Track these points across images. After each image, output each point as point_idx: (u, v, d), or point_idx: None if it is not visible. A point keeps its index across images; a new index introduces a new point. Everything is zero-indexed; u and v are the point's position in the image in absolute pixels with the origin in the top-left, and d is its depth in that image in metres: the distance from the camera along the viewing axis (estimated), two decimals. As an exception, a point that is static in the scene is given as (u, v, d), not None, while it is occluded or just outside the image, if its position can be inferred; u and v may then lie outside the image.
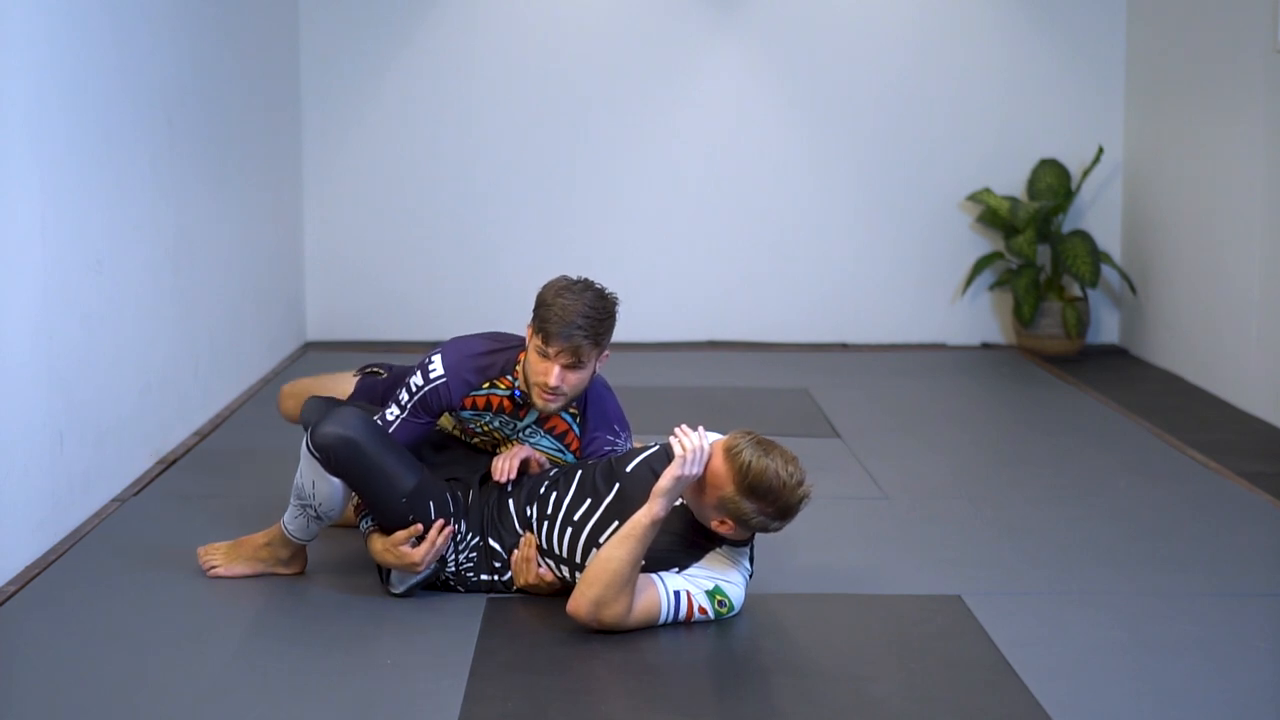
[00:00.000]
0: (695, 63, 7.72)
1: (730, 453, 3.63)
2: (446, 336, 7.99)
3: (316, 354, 7.49)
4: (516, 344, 4.06)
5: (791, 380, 6.95)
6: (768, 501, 3.62)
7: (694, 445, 3.62)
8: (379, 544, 3.89)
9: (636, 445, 4.18)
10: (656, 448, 3.90)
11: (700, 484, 3.67)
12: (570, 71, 7.72)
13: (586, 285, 3.92)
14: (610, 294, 3.95)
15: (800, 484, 3.64)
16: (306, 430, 3.88)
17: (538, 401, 3.92)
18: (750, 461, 3.60)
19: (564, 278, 3.97)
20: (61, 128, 4.49)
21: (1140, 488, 5.13)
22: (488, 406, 4.01)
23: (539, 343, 3.87)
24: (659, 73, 7.72)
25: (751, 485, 3.60)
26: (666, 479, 3.61)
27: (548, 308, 3.87)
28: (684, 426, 3.69)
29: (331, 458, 3.80)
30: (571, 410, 4.06)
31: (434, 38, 7.68)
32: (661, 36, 7.71)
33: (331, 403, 4.12)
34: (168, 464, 5.31)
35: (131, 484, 5.03)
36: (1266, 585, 4.18)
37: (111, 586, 4.07)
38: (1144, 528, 4.67)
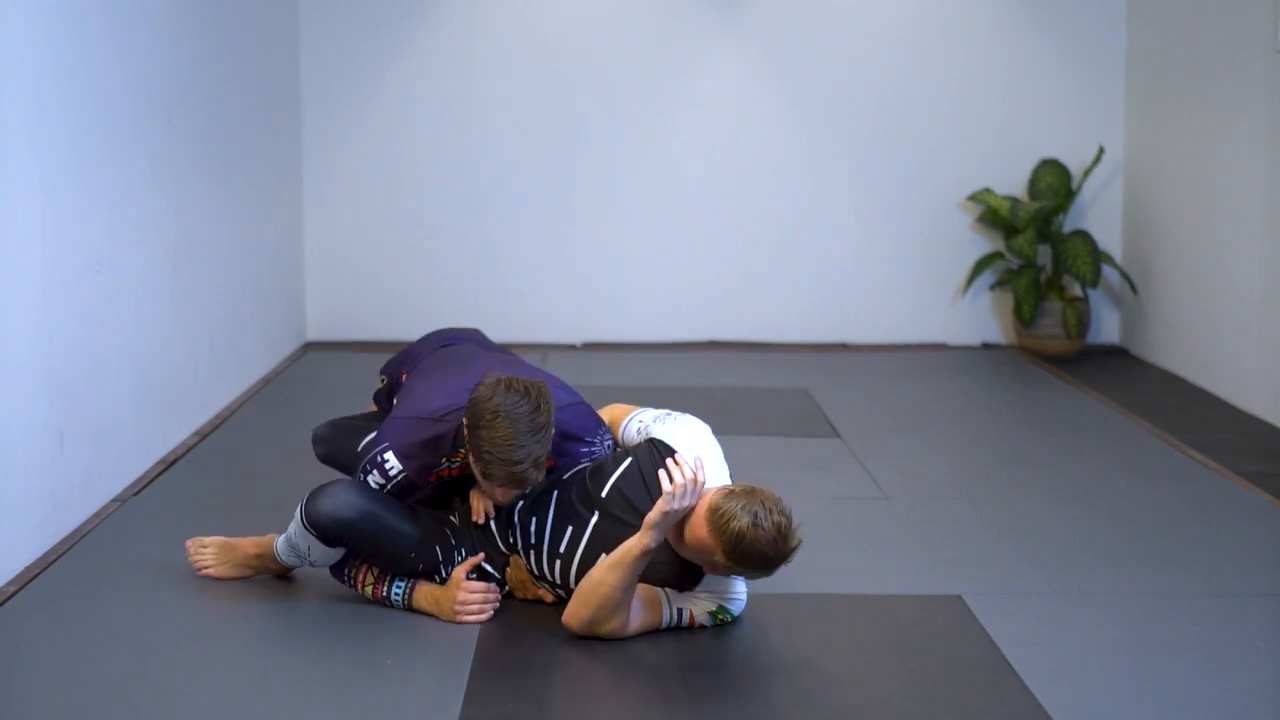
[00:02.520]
0: (695, 63, 7.72)
1: (718, 524, 3.49)
2: (446, 336, 7.95)
3: (316, 354, 7.49)
4: (456, 416, 3.80)
5: (791, 380, 6.95)
6: (759, 566, 3.55)
7: (684, 480, 3.53)
8: (443, 598, 3.81)
9: (616, 434, 4.07)
10: (628, 463, 3.82)
11: (683, 538, 3.59)
12: (570, 71, 7.72)
13: (519, 396, 3.60)
14: (543, 390, 3.65)
15: (789, 536, 3.53)
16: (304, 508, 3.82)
17: (495, 500, 3.80)
18: (741, 532, 3.47)
19: (493, 387, 3.63)
20: (61, 128, 4.49)
21: (1140, 488, 5.13)
22: (450, 477, 3.91)
23: (480, 473, 3.67)
24: (659, 73, 7.73)
25: (743, 554, 3.51)
26: (656, 513, 3.54)
27: (480, 440, 3.59)
28: (678, 457, 3.61)
29: (329, 536, 3.78)
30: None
31: (434, 38, 7.69)
32: (661, 36, 7.71)
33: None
34: (168, 464, 5.31)
35: (131, 484, 5.03)
36: (1266, 585, 4.18)
37: (111, 586, 4.07)
38: (1144, 528, 4.67)
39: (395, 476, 3.80)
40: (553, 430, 3.67)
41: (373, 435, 3.92)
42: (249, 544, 4.10)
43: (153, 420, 5.29)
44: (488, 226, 7.80)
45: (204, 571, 4.10)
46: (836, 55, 7.72)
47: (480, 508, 3.87)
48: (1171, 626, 3.84)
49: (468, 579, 3.82)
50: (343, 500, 3.74)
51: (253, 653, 3.67)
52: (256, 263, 6.81)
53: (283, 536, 3.94)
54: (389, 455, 3.80)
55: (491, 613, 3.81)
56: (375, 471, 3.81)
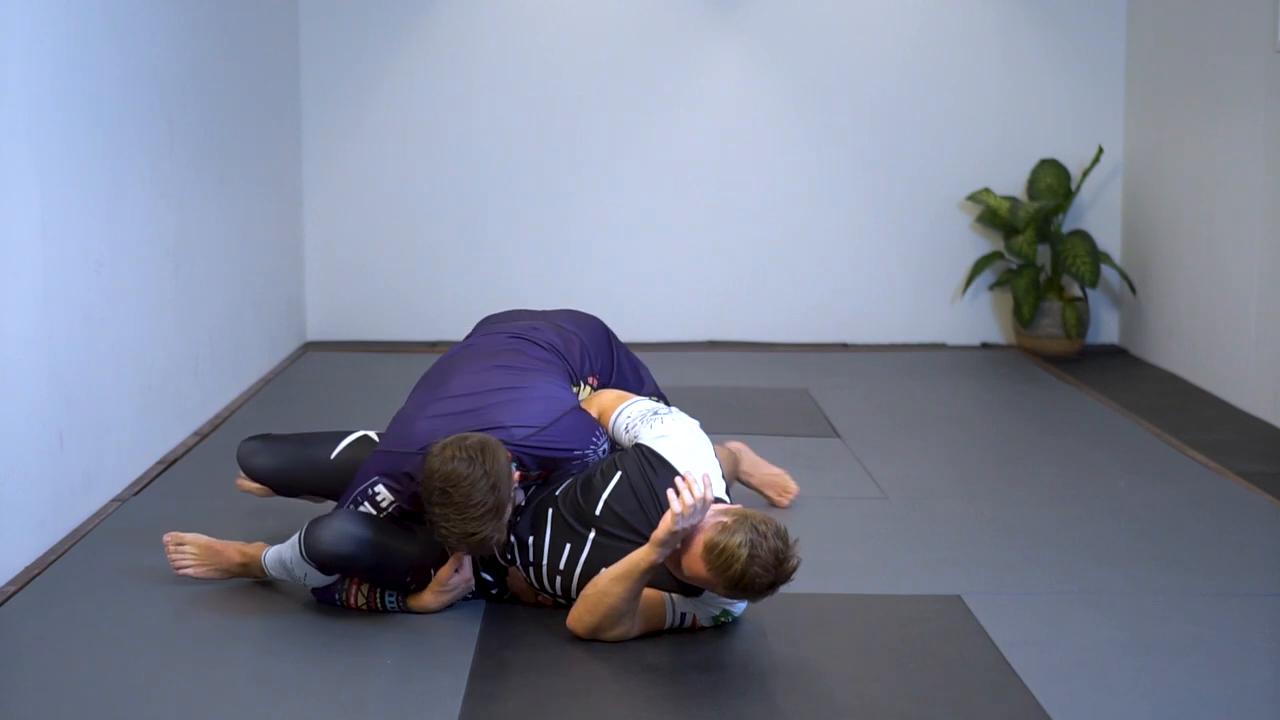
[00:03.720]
0: (696, 62, 7.72)
1: (716, 563, 3.47)
2: (446, 337, 8.02)
3: (316, 354, 7.49)
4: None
5: (791, 380, 6.95)
6: (760, 592, 3.53)
7: (692, 500, 3.50)
8: (427, 596, 3.84)
9: (606, 425, 4.04)
10: (619, 478, 3.78)
11: (680, 564, 3.58)
12: (571, 70, 7.72)
13: (466, 463, 3.58)
14: (486, 449, 3.61)
15: (787, 560, 3.50)
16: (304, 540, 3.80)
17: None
18: (741, 571, 3.45)
19: (440, 456, 3.61)
20: (61, 128, 4.49)
21: (1140, 488, 5.13)
22: None
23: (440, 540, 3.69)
24: (659, 72, 7.73)
25: (745, 587, 3.50)
26: (663, 532, 3.52)
27: (434, 516, 3.61)
28: (687, 476, 3.56)
29: (332, 568, 3.78)
30: (534, 476, 3.91)
31: (434, 37, 7.68)
32: (662, 36, 7.71)
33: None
34: (168, 464, 5.31)
35: (131, 484, 5.03)
36: (1266, 585, 4.18)
37: (112, 587, 4.07)
38: (1144, 528, 4.67)
39: (387, 508, 3.81)
40: (509, 486, 3.63)
41: (365, 462, 3.89)
42: (234, 551, 4.05)
43: (153, 420, 5.29)
44: (488, 226, 7.80)
45: (182, 571, 4.04)
46: (836, 56, 7.72)
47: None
48: (1171, 626, 3.83)
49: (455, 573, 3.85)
50: (342, 533, 3.73)
51: (253, 653, 3.67)
52: (256, 263, 6.81)
53: (273, 551, 3.91)
54: (379, 488, 3.80)
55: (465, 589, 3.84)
56: (367, 504, 3.81)
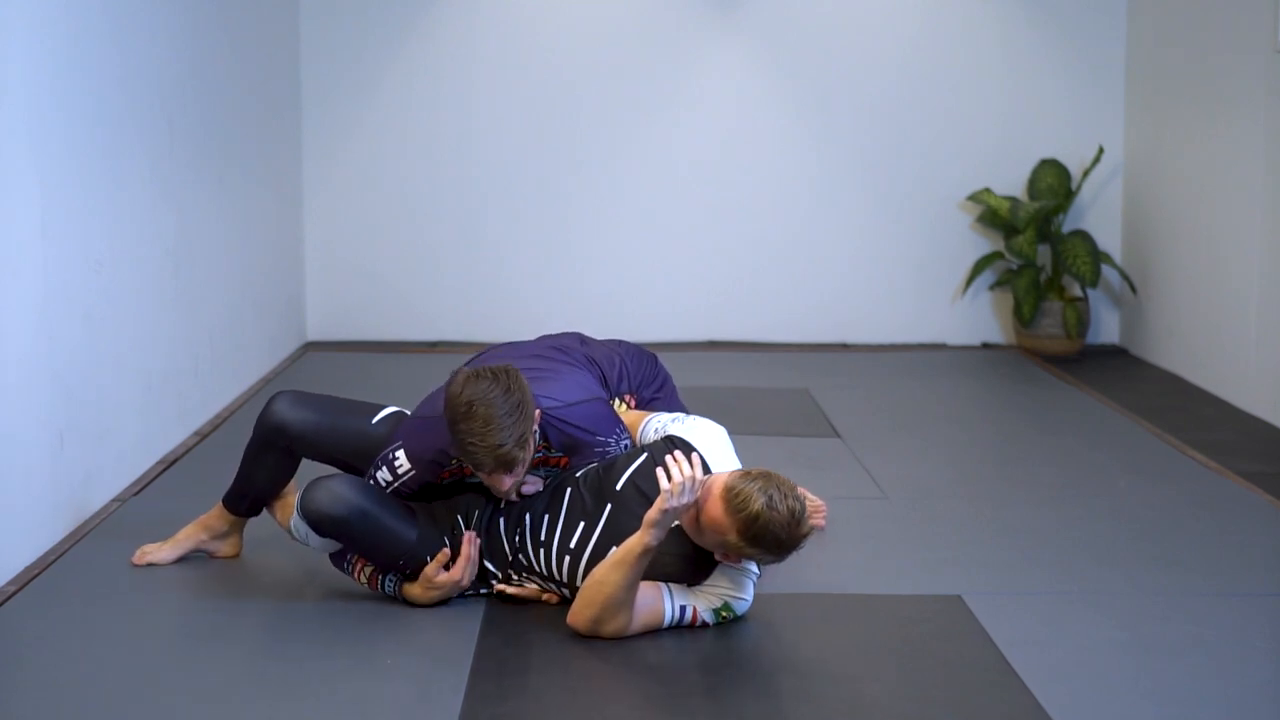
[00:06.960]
0: (696, 62, 7.72)
1: (733, 503, 3.53)
2: (446, 337, 8.01)
3: (316, 354, 7.49)
4: None
5: (791, 380, 6.95)
6: (772, 547, 3.58)
7: (682, 477, 3.54)
8: (416, 589, 3.87)
9: (635, 439, 4.09)
10: (644, 458, 3.84)
11: (698, 521, 3.62)
12: (571, 71, 7.72)
13: (489, 382, 3.63)
14: (510, 372, 3.68)
15: (801, 522, 3.57)
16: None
17: (502, 498, 3.85)
18: (756, 513, 3.51)
19: (463, 382, 3.66)
20: (61, 127, 4.49)
21: (1140, 488, 5.14)
22: (465, 476, 3.92)
23: (472, 466, 3.70)
24: (660, 73, 7.73)
25: (756, 535, 3.54)
26: (655, 511, 3.56)
27: (460, 433, 3.63)
28: (677, 454, 3.62)
29: (324, 529, 3.80)
30: (554, 459, 3.95)
31: (434, 39, 7.68)
32: (662, 36, 7.71)
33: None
34: (168, 464, 5.31)
35: (131, 484, 5.03)
36: (1266, 585, 4.18)
37: (111, 587, 4.07)
38: (1144, 528, 4.68)
39: (403, 475, 3.85)
40: (532, 407, 3.68)
41: (396, 429, 3.97)
42: (188, 527, 4.26)
43: (153, 420, 5.29)
44: (488, 226, 7.80)
45: (145, 561, 4.22)
46: (836, 56, 7.72)
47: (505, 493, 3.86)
48: (1171, 626, 3.84)
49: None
50: (338, 496, 3.77)
51: (252, 652, 3.67)
52: (256, 263, 6.81)
53: (296, 510, 3.95)
54: (399, 454, 3.85)
55: (467, 566, 3.82)
56: (385, 469, 3.86)
